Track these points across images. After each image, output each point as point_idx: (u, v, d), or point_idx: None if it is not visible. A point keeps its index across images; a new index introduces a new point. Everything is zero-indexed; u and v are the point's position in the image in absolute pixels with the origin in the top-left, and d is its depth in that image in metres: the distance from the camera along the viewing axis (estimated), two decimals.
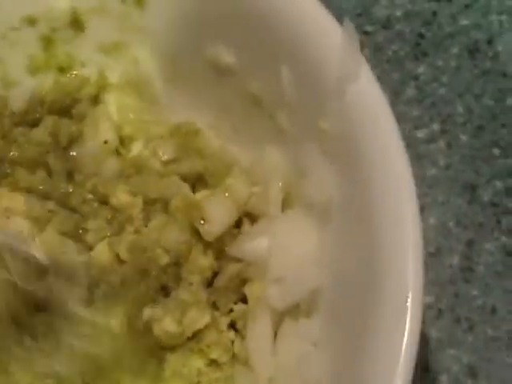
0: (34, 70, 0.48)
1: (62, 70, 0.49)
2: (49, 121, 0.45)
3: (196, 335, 0.42)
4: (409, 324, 0.33)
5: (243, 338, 0.42)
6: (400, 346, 0.33)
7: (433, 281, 0.48)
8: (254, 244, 0.41)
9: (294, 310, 0.40)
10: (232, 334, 0.42)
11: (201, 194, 0.43)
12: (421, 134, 0.51)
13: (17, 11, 0.47)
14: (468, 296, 0.47)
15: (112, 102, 0.48)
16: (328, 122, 0.38)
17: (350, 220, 0.38)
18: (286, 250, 0.40)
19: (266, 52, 0.41)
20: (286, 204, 0.43)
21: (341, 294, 0.38)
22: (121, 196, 0.43)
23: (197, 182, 0.45)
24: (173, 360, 0.42)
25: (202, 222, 0.41)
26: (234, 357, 0.42)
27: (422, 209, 0.49)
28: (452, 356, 0.46)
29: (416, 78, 0.52)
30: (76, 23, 0.48)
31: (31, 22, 0.47)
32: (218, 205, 0.42)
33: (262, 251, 0.41)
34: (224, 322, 0.42)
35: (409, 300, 0.33)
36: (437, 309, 0.48)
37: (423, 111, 0.52)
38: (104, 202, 0.43)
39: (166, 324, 0.40)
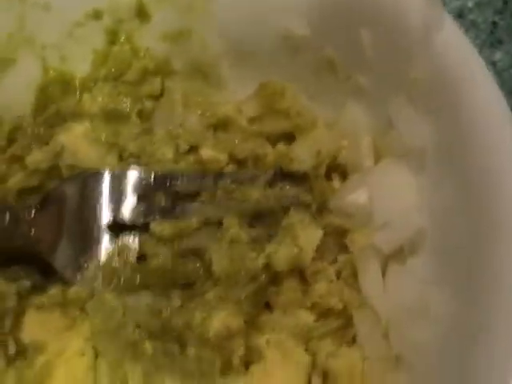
0: (97, 65, 0.65)
1: (124, 62, 0.65)
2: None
3: (307, 291, 0.57)
4: None
5: (351, 286, 0.56)
6: None
7: None
8: (355, 196, 0.56)
9: (399, 254, 0.54)
10: (341, 283, 0.56)
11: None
12: None
13: (82, 6, 0.63)
14: None
15: (178, 89, 0.65)
16: (416, 72, 0.53)
17: (448, 167, 0.52)
18: (387, 196, 0.54)
19: (341, 18, 0.57)
20: (377, 156, 0.57)
21: (445, 235, 0.52)
22: (206, 151, 0.60)
23: (284, 140, 0.61)
24: (284, 320, 0.57)
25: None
26: (345, 306, 0.56)
27: None
28: None
29: (493, 64, 0.70)
30: (141, 13, 0.64)
31: (96, 15, 0.64)
32: (304, 147, 0.58)
33: (363, 202, 0.55)
34: (332, 272, 0.56)
35: None
36: None
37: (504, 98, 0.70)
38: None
39: (282, 253, 0.55)
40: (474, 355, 0.47)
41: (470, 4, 0.71)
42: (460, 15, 0.71)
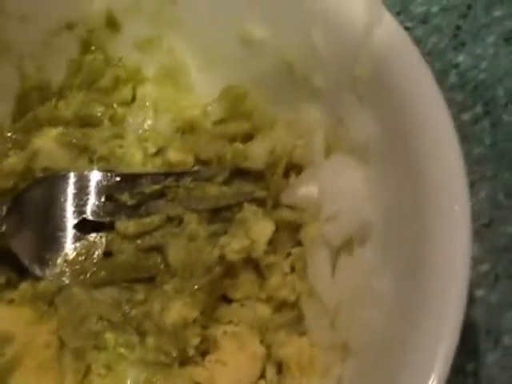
0: (72, 73, 0.68)
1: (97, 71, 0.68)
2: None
3: (263, 284, 0.58)
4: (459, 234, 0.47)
5: (303, 279, 0.56)
6: (454, 251, 0.47)
7: (489, 250, 0.64)
8: (305, 190, 0.57)
9: (348, 245, 0.55)
10: (294, 276, 0.57)
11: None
12: (465, 116, 0.68)
13: (57, 17, 0.66)
14: None
15: (149, 95, 0.67)
16: (360, 69, 0.54)
17: (392, 159, 0.53)
18: (336, 189, 0.55)
19: (295, 20, 0.59)
20: (328, 152, 0.58)
21: (391, 224, 0.53)
22: (173, 153, 0.62)
23: (245, 140, 0.62)
24: (241, 312, 0.58)
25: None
26: (298, 298, 0.57)
27: (472, 184, 0.66)
28: None
29: (456, 66, 0.70)
30: (112, 23, 0.67)
31: (70, 26, 0.66)
32: (259, 145, 0.60)
33: (313, 195, 0.56)
34: (286, 265, 0.57)
35: (456, 208, 0.48)
36: (494, 275, 0.62)
37: (466, 96, 0.70)
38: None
39: (234, 244, 0.56)
40: (413, 335, 0.48)
41: (434, 9, 0.72)
42: (424, 21, 0.72)
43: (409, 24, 0.73)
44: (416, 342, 0.47)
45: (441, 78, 0.70)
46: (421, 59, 0.53)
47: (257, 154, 0.59)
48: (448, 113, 0.52)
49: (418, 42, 0.68)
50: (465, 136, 0.67)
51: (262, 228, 0.56)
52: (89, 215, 0.61)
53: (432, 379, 0.44)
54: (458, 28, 0.73)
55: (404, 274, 0.51)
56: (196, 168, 0.63)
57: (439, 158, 0.51)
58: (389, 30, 0.54)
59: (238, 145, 0.61)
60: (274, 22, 0.61)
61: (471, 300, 0.60)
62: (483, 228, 0.64)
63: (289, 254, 0.59)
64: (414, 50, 0.53)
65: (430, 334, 0.47)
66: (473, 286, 0.60)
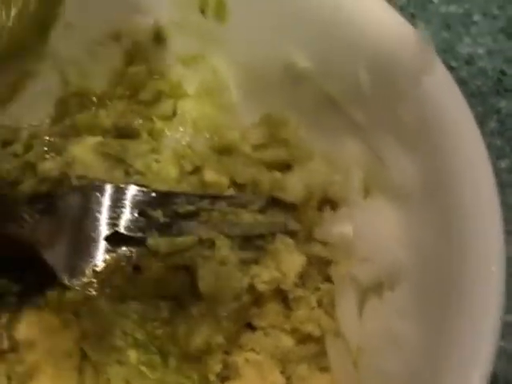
0: (114, 83, 0.69)
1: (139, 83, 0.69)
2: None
3: (289, 315, 0.58)
4: (495, 287, 0.48)
5: (329, 314, 0.58)
6: (487, 306, 0.48)
7: None
8: (339, 228, 0.58)
9: (378, 287, 0.56)
10: (321, 311, 0.58)
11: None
12: (503, 164, 0.70)
13: (103, 27, 0.67)
14: None
15: (189, 111, 0.68)
16: (405, 113, 0.55)
17: (431, 204, 0.54)
18: (371, 231, 0.56)
19: (342, 56, 0.59)
20: (366, 191, 0.59)
21: (423, 272, 0.54)
22: (209, 173, 0.63)
23: (282, 169, 0.63)
24: (264, 341, 0.59)
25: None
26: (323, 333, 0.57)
27: (509, 233, 0.67)
28: None
29: (498, 111, 0.71)
30: (158, 37, 0.68)
31: (116, 37, 0.67)
32: (297, 178, 0.61)
33: (348, 235, 0.57)
34: (313, 299, 0.58)
35: (493, 267, 0.49)
36: None
37: (505, 142, 0.73)
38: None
39: (265, 275, 0.57)
40: None
41: (480, 51, 0.72)
42: (469, 62, 0.72)
43: (454, 64, 0.73)
44: None
45: (481, 122, 0.70)
46: (468, 113, 0.54)
47: (294, 186, 0.60)
48: (488, 161, 0.52)
49: (462, 83, 0.69)
50: (501, 183, 0.67)
51: (293, 261, 0.57)
52: (121, 228, 0.62)
53: None
54: (503, 73, 0.73)
55: (432, 323, 0.51)
56: (232, 194, 0.63)
57: (478, 210, 0.52)
58: (438, 79, 0.55)
59: (277, 174, 0.61)
60: (321, 55, 0.62)
61: None
62: None
63: (317, 289, 0.60)
64: (462, 101, 0.54)
65: None
66: None
